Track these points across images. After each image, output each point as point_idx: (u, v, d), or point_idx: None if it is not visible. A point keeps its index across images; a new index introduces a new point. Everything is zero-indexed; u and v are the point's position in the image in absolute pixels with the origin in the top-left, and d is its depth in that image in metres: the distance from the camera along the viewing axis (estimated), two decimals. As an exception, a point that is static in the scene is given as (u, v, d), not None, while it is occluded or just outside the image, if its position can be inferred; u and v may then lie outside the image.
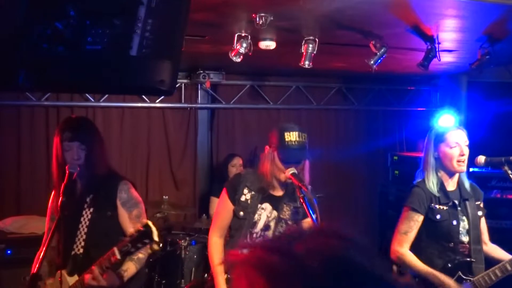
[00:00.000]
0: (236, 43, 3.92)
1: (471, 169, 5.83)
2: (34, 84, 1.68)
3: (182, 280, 5.02)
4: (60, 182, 2.85)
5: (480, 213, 3.36)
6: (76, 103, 5.79)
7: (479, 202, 3.38)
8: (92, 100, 5.81)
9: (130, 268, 2.89)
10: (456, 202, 3.26)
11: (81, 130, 2.93)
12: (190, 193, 6.39)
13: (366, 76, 6.59)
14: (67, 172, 2.82)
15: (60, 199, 2.74)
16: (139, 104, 6.04)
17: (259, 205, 3.09)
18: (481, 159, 3.59)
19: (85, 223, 2.94)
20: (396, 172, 6.75)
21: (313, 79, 6.72)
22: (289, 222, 3.10)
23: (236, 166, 5.82)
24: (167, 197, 5.39)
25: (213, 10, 3.33)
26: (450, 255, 3.22)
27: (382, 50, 4.03)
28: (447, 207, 3.24)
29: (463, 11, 3.43)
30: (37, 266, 2.60)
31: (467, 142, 3.27)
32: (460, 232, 3.24)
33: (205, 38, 4.20)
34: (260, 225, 3.10)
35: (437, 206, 3.22)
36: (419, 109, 7.14)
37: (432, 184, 3.25)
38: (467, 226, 3.25)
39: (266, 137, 3.23)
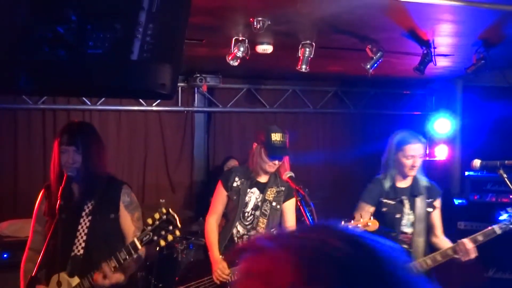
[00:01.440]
0: (234, 47, 3.93)
1: (466, 173, 5.87)
2: (35, 87, 1.69)
3: (179, 284, 5.01)
4: (57, 185, 2.86)
5: (430, 209, 3.72)
6: (73, 106, 5.78)
7: (431, 200, 3.74)
8: (89, 103, 5.81)
9: (131, 266, 2.94)
10: (405, 198, 3.68)
11: (79, 135, 2.94)
12: (187, 196, 6.38)
13: (362, 80, 6.62)
14: (65, 175, 2.83)
15: (58, 202, 2.75)
16: (136, 108, 6.03)
17: (249, 190, 3.72)
18: (477, 163, 3.68)
19: (85, 225, 2.94)
20: (392, 175, 6.74)
21: (309, 82, 6.73)
22: (273, 203, 3.70)
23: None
24: (163, 200, 5.35)
25: (210, 14, 3.34)
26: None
27: (379, 55, 4.06)
28: (394, 202, 3.68)
29: (458, 16, 3.46)
30: (35, 269, 2.60)
31: (422, 154, 3.68)
32: (404, 224, 3.67)
33: (203, 41, 4.22)
34: (251, 205, 3.73)
35: (385, 201, 3.69)
36: (414, 113, 7.16)
37: (386, 181, 3.72)
38: (412, 219, 3.67)
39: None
